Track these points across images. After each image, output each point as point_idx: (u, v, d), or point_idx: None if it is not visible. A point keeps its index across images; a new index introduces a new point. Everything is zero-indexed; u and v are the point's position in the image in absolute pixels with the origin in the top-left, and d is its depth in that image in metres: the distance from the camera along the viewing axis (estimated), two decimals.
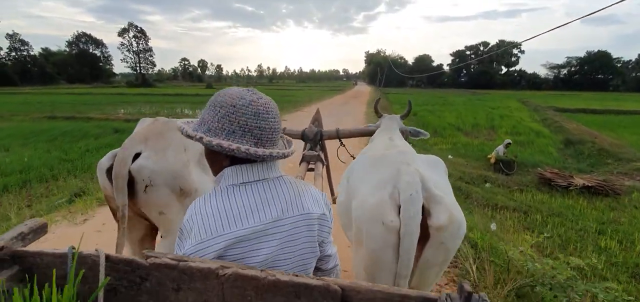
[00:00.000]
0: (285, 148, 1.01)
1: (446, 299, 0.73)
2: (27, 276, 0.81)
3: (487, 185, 6.22)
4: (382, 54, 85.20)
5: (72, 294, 0.74)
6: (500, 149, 7.59)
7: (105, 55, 67.61)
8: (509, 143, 7.77)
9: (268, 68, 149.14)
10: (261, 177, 0.93)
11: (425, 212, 1.38)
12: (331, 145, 2.77)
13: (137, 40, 65.70)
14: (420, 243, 1.38)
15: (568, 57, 68.34)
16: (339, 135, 2.62)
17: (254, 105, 0.88)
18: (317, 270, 1.09)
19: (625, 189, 6.06)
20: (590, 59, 65.06)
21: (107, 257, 0.80)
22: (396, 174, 1.46)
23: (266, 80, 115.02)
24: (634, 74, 66.24)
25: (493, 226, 4.32)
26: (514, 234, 4.32)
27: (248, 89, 0.93)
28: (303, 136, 2.63)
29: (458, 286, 0.73)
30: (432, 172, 1.60)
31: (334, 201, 2.60)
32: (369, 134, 2.54)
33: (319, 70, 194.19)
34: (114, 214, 1.78)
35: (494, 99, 30.40)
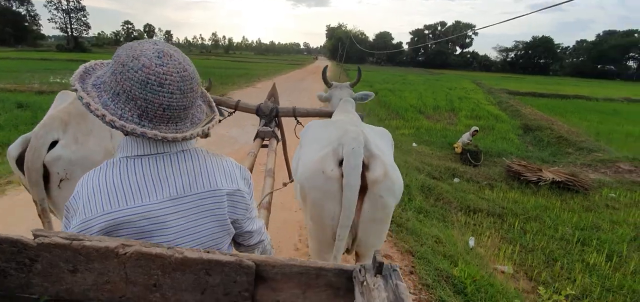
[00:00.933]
0: (187, 129, 0.84)
1: (361, 269, 0.73)
2: None
3: (456, 180, 5.58)
4: (343, 29, 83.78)
5: None
6: (466, 136, 7.02)
7: (32, 14, 58.34)
8: (476, 131, 7.22)
9: (224, 37, 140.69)
10: (160, 151, 0.82)
11: (364, 168, 1.48)
12: (288, 123, 2.68)
13: None
14: (360, 198, 1.47)
15: (516, 41, 72.21)
16: (295, 114, 2.58)
17: (145, 71, 0.74)
18: (239, 246, 1.04)
19: (593, 184, 5.76)
20: (535, 43, 69.41)
21: None
22: (343, 133, 1.56)
23: (222, 51, 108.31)
24: (571, 60, 72.01)
25: (471, 242, 3.60)
26: (493, 250, 3.64)
27: (158, 49, 0.77)
28: (258, 111, 2.51)
29: (372, 256, 0.72)
30: (377, 139, 1.72)
31: (290, 178, 2.51)
32: (325, 115, 2.53)
33: (279, 43, 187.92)
34: (35, 203, 1.59)
35: (450, 80, 31.01)
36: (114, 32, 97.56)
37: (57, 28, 58.31)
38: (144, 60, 0.74)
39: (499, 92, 20.53)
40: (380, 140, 1.75)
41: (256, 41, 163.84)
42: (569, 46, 73.14)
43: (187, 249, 0.74)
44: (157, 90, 0.75)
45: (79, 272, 0.73)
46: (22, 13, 56.95)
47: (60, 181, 1.53)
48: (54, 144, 1.52)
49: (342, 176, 1.44)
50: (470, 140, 7.00)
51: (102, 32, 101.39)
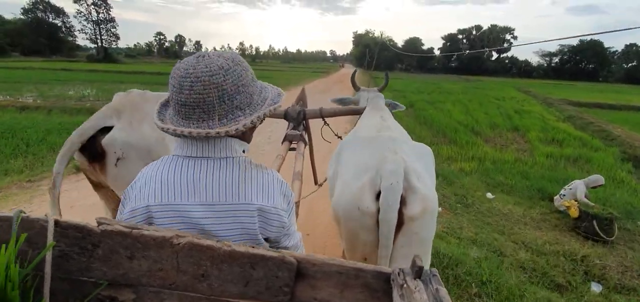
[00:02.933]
0: (214, 128, 0.83)
1: (399, 273, 0.74)
2: None
3: (596, 288, 2.99)
4: (371, 35, 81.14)
5: (11, 252, 0.71)
6: (580, 188, 4.32)
7: (67, 25, 60.57)
8: (600, 183, 4.48)
9: (250, 46, 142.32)
10: (202, 155, 0.87)
11: (402, 202, 1.41)
12: (315, 125, 2.63)
13: (96, 8, 58.72)
14: (396, 230, 1.41)
15: (561, 45, 66.24)
16: (322, 115, 2.57)
17: (178, 76, 0.83)
18: None
19: None
20: (583, 47, 63.22)
21: (57, 223, 0.78)
22: (381, 160, 1.49)
23: (249, 60, 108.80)
24: (623, 64, 64.97)
25: None
26: None
27: (199, 55, 0.85)
28: (286, 115, 2.52)
29: (411, 260, 0.73)
30: (418, 162, 1.60)
31: (315, 182, 2.68)
32: (354, 113, 2.55)
33: (305, 51, 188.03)
34: (93, 185, 1.84)
35: (491, 87, 27.64)
36: (147, 43, 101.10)
37: (87, 39, 59.98)
38: (182, 67, 0.83)
39: (559, 102, 17.23)
40: (421, 165, 1.61)
41: (283, 50, 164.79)
42: (616, 50, 66.04)
43: (234, 243, 0.79)
44: (188, 91, 0.81)
45: (135, 259, 0.79)
46: (58, 24, 59.13)
47: (117, 159, 1.67)
48: (109, 130, 1.68)
49: (378, 210, 1.41)
50: (588, 196, 4.34)
51: (138, 43, 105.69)
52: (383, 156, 1.51)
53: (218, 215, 0.86)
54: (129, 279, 0.80)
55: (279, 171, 1.74)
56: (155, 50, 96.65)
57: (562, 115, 13.28)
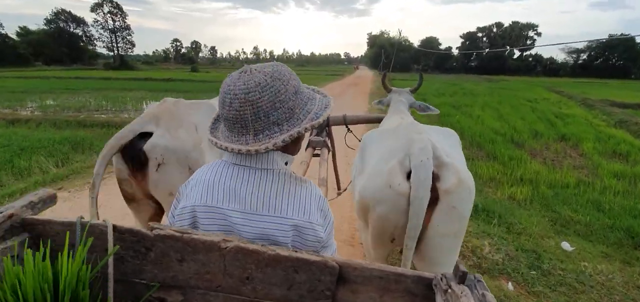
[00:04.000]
0: (252, 144, 0.87)
1: (441, 278, 0.73)
2: (41, 242, 0.82)
3: None
4: (385, 36, 79.36)
5: (83, 257, 0.75)
6: None
7: (88, 34, 61.83)
8: None
9: (265, 50, 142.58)
10: (245, 164, 0.91)
11: (435, 177, 1.40)
12: (338, 132, 2.69)
13: (112, 16, 59.35)
14: (429, 209, 1.39)
15: (589, 41, 62.49)
16: (346, 122, 2.59)
17: (223, 92, 0.87)
18: None
19: None
20: (612, 44, 59.45)
21: (114, 228, 0.81)
22: (408, 142, 1.49)
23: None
24: None
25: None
26: None
27: (243, 70, 0.88)
28: None
29: (454, 266, 0.72)
30: (444, 142, 1.62)
31: (338, 188, 2.76)
32: (377, 121, 2.56)
33: (319, 54, 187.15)
34: (126, 198, 1.86)
35: (518, 87, 25.79)
36: (164, 50, 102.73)
37: (104, 47, 60.95)
38: (226, 83, 0.87)
39: (601, 104, 15.43)
40: (448, 144, 1.65)
41: (297, 53, 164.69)
42: None
43: (278, 247, 0.82)
44: (227, 106, 0.86)
45: (185, 262, 0.82)
46: (79, 34, 60.35)
47: (158, 165, 1.71)
48: (149, 135, 1.73)
49: (410, 189, 1.40)
50: None
51: (156, 50, 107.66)
52: (409, 138, 1.52)
53: (254, 223, 0.89)
54: (178, 281, 0.83)
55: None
56: (172, 56, 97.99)
57: (610, 119, 11.60)
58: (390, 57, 47.47)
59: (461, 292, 0.66)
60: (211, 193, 0.90)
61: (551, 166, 6.38)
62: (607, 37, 55.68)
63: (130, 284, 0.84)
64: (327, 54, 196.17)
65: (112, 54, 62.26)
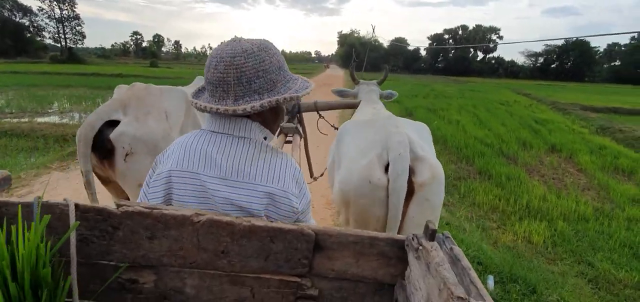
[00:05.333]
0: (231, 106, 0.87)
1: (413, 238, 0.75)
2: None
3: None
4: (356, 35, 78.97)
5: (41, 233, 0.72)
6: None
7: (35, 24, 55.52)
8: None
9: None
10: (224, 131, 0.91)
11: (410, 171, 1.46)
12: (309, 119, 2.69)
13: (59, 5, 53.68)
14: (405, 201, 1.46)
15: (547, 45, 65.81)
16: (317, 108, 2.62)
17: (210, 56, 0.90)
18: None
19: None
20: (568, 48, 62.93)
21: (77, 206, 0.77)
22: (386, 136, 1.53)
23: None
24: (607, 65, 65.08)
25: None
26: None
27: (233, 39, 0.90)
28: None
29: (424, 225, 0.75)
30: (418, 136, 1.68)
31: (311, 174, 2.71)
32: (347, 106, 2.69)
33: (290, 52, 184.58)
34: (101, 180, 1.81)
35: (486, 89, 25.77)
36: (122, 43, 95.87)
37: (50, 38, 55.11)
38: (216, 49, 0.89)
39: (572, 107, 15.24)
40: (422, 139, 1.70)
41: None
42: (599, 50, 65.86)
43: (253, 218, 0.80)
44: (213, 70, 0.87)
45: (156, 239, 0.78)
46: (26, 24, 54.12)
47: (126, 155, 1.65)
48: (116, 123, 1.66)
49: (389, 181, 1.44)
50: None
51: (115, 43, 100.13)
52: (387, 131, 1.56)
53: (230, 189, 0.87)
54: (150, 259, 0.80)
55: None
56: (131, 50, 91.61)
57: (589, 125, 11.14)
58: (361, 56, 46.77)
59: (431, 248, 0.70)
60: (188, 158, 0.89)
61: (554, 187, 5.36)
62: (563, 41, 58.78)
63: (98, 267, 0.80)
64: (297, 52, 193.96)
65: (69, 46, 56.43)
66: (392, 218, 1.44)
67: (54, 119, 8.40)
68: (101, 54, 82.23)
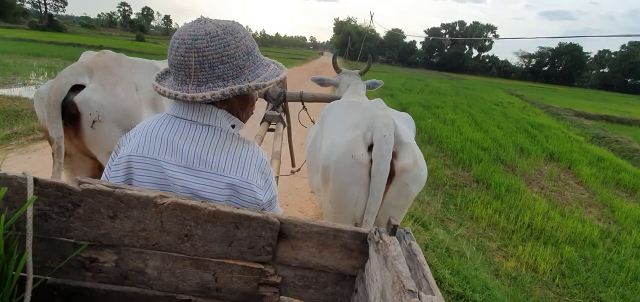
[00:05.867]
0: (193, 92, 0.82)
1: (375, 232, 0.77)
2: None
3: None
4: (353, 23, 77.69)
5: None
6: None
7: None
8: None
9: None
10: (188, 117, 0.86)
11: (393, 155, 1.45)
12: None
13: None
14: (387, 182, 1.46)
15: (541, 47, 66.07)
16: (302, 99, 2.57)
17: (173, 37, 0.84)
18: None
19: None
20: (561, 51, 63.34)
21: (36, 181, 0.75)
22: (372, 117, 1.52)
23: None
24: (597, 71, 65.90)
25: None
26: None
27: (199, 19, 0.85)
28: (266, 95, 2.50)
29: (387, 220, 0.76)
30: (402, 124, 1.69)
31: (293, 164, 2.72)
32: (334, 100, 2.45)
33: (285, 35, 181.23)
34: (51, 145, 1.67)
35: (479, 88, 25.58)
36: (109, 14, 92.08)
37: (29, 2, 52.10)
38: (179, 29, 0.84)
39: (565, 113, 15.04)
40: (406, 127, 1.72)
41: (261, 32, 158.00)
42: (589, 55, 66.45)
43: (219, 203, 0.79)
44: (175, 52, 0.82)
45: (118, 219, 0.77)
46: None
47: (93, 122, 1.60)
48: (81, 87, 1.60)
49: (371, 162, 1.43)
50: None
51: (102, 13, 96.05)
52: (373, 113, 1.55)
53: (192, 178, 0.84)
54: (111, 239, 0.79)
55: None
56: (118, 22, 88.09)
57: (584, 132, 10.89)
58: (356, 44, 45.90)
59: (390, 242, 0.71)
60: (148, 143, 0.85)
61: (556, 202, 4.99)
62: (557, 43, 59.04)
63: (57, 243, 0.78)
64: (292, 37, 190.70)
65: (50, 14, 53.39)
66: (373, 201, 1.42)
67: (14, 91, 7.56)
68: (86, 23, 78.83)
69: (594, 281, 3.18)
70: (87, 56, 1.79)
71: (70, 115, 1.57)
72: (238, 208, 0.78)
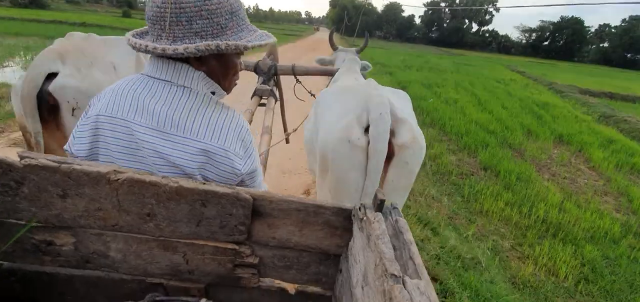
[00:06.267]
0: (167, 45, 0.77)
1: (360, 208, 0.73)
2: None
3: None
4: None
5: None
6: None
7: None
8: None
9: None
10: (163, 78, 0.81)
11: (391, 133, 1.40)
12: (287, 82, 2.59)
13: None
14: (385, 164, 1.40)
15: (542, 21, 64.64)
16: (294, 72, 2.48)
17: None
18: None
19: None
20: (562, 25, 62.06)
21: None
22: (366, 97, 1.47)
23: None
24: (597, 45, 64.87)
25: None
26: None
27: None
28: (256, 69, 2.44)
29: (373, 195, 0.72)
30: (398, 101, 1.62)
31: (286, 139, 2.55)
32: (327, 73, 2.51)
33: (279, 10, 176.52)
34: (29, 145, 1.59)
35: (480, 64, 24.99)
36: None
37: None
38: None
39: (568, 90, 14.60)
40: (402, 103, 1.65)
41: (254, 7, 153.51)
42: (590, 29, 65.13)
43: (181, 178, 0.73)
44: (147, 1, 0.78)
45: (69, 198, 0.71)
46: None
47: (73, 109, 1.53)
48: (54, 76, 1.53)
49: (368, 143, 1.39)
50: None
51: None
52: (367, 93, 1.50)
53: (157, 142, 0.78)
54: (64, 220, 0.74)
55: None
56: None
57: (591, 110, 10.51)
58: (353, 19, 44.55)
59: (374, 219, 0.67)
60: (118, 102, 0.79)
61: (569, 190, 4.64)
62: (559, 17, 57.63)
63: (5, 226, 0.73)
64: (286, 12, 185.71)
65: None
66: (370, 183, 1.38)
67: None
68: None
69: (620, 286, 2.86)
70: (56, 42, 1.70)
71: (48, 106, 1.49)
72: (204, 183, 0.73)
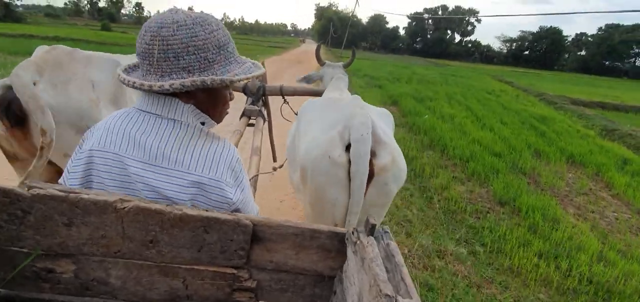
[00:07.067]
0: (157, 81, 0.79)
1: (353, 232, 0.75)
2: None
3: None
4: (334, 8, 75.65)
5: None
6: None
7: None
8: None
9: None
10: (153, 111, 0.82)
11: (371, 154, 1.42)
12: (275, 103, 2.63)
13: None
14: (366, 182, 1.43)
15: (522, 31, 66.23)
16: (282, 92, 2.50)
17: (142, 26, 0.81)
18: None
19: None
20: (542, 35, 63.71)
21: None
22: (349, 115, 1.48)
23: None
24: (575, 53, 66.80)
25: None
26: None
27: (171, 9, 0.82)
28: (245, 90, 2.44)
29: (365, 219, 0.75)
30: (381, 121, 1.65)
31: (274, 159, 2.62)
32: (315, 94, 2.49)
33: (265, 22, 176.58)
34: (7, 156, 1.63)
35: (465, 74, 24.83)
36: (74, 2, 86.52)
37: None
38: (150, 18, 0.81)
39: (561, 101, 14.29)
40: (384, 124, 1.68)
41: (239, 19, 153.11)
42: (567, 38, 67.11)
43: (185, 206, 0.75)
44: (141, 40, 0.79)
45: (74, 226, 0.72)
46: None
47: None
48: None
49: (349, 162, 1.40)
50: None
51: (67, 2, 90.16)
52: (350, 111, 1.50)
53: (153, 174, 0.80)
54: (68, 248, 0.75)
55: (237, 147, 1.63)
56: (85, 10, 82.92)
57: (589, 123, 10.06)
58: (338, 31, 44.31)
59: (368, 243, 0.70)
60: (111, 137, 0.81)
61: (602, 228, 3.93)
62: (538, 27, 59.15)
63: (8, 254, 0.73)
64: (272, 24, 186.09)
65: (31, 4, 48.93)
66: (354, 203, 1.39)
67: None
68: (51, 12, 73.63)
69: None
70: (38, 52, 1.64)
71: (15, 116, 1.46)
72: (207, 211, 0.74)
